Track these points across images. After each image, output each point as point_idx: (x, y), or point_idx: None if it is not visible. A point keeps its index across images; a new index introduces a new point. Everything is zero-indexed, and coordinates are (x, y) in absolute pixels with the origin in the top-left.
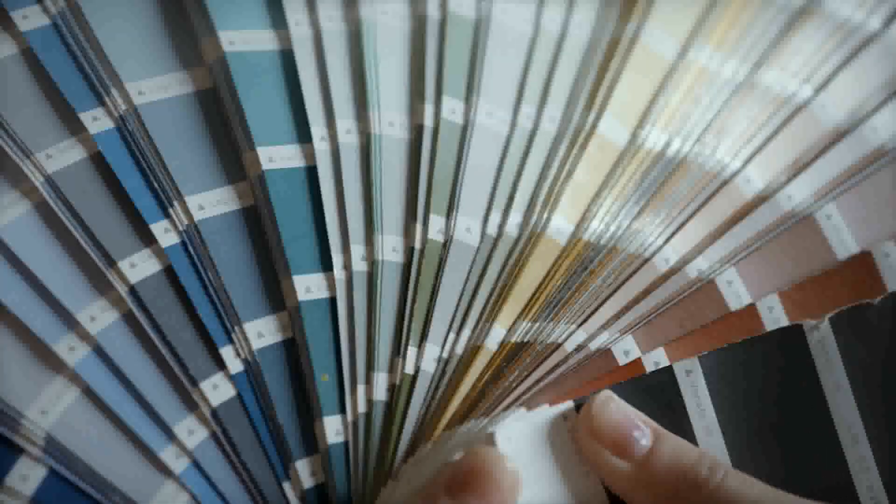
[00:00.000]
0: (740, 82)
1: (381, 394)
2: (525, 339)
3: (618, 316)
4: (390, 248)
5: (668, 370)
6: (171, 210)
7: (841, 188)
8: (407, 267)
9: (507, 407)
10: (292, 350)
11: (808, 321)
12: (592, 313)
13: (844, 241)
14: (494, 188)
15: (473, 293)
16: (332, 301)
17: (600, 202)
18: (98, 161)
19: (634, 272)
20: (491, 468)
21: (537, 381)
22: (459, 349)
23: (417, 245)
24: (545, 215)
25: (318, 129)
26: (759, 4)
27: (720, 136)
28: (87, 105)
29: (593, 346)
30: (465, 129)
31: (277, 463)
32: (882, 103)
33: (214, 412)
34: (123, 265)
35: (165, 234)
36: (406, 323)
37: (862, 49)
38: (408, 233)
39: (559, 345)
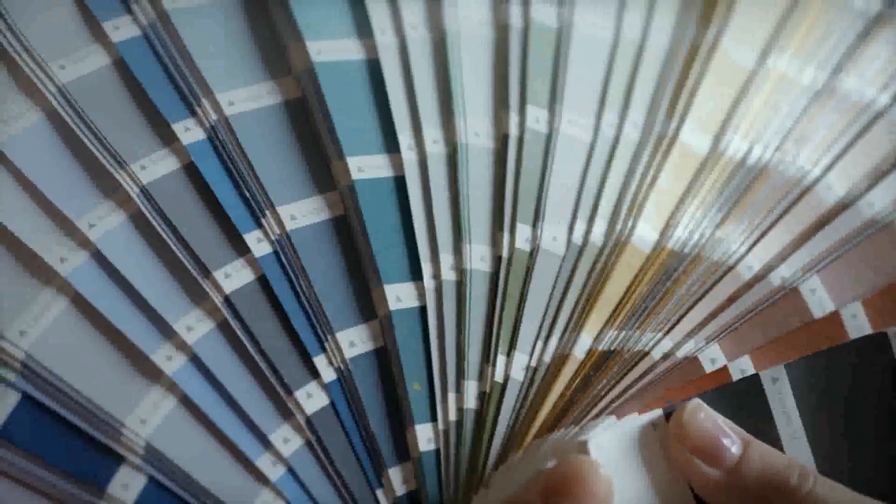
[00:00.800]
0: (819, 89)
1: (471, 402)
2: (612, 348)
3: (703, 324)
4: (478, 257)
5: (755, 378)
6: (263, 220)
7: None
8: (495, 276)
9: (596, 415)
10: (384, 358)
11: (892, 328)
12: (678, 321)
13: None
14: (579, 196)
15: (560, 302)
16: (423, 310)
17: (684, 210)
18: (191, 171)
19: (718, 280)
20: (586, 476)
21: (625, 390)
22: (547, 357)
23: (505, 254)
24: (630, 223)
25: (405, 139)
26: (837, 10)
27: (800, 143)
28: (178, 115)
29: (680, 354)
30: (550, 138)
31: (370, 470)
32: None
33: (309, 420)
34: (218, 275)
35: (258, 244)
36: (495, 331)
37: None
38: (495, 242)
39: (646, 353)
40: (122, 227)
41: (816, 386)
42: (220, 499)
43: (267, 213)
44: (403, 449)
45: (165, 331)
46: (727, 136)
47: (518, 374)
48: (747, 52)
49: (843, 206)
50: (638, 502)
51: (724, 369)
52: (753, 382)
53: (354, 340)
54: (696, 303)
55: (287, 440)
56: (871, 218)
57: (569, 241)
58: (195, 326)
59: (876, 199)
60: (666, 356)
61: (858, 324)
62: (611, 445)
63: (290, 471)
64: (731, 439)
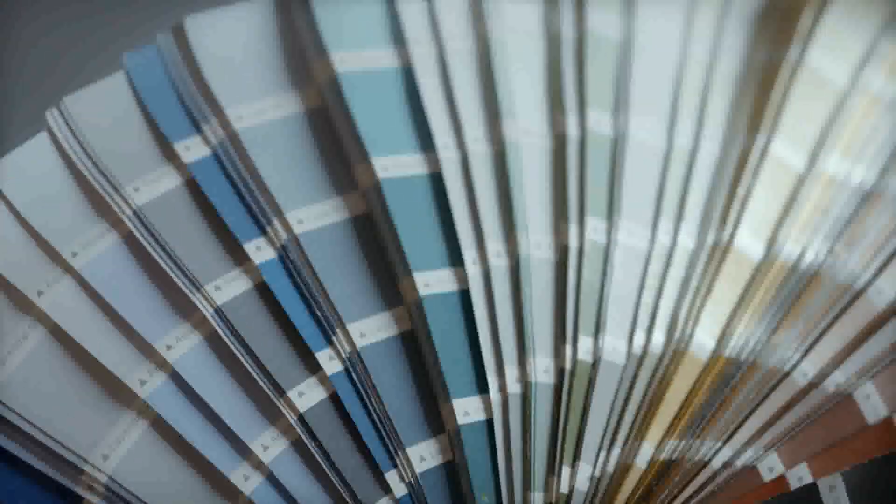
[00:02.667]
0: (868, 190)
1: None
2: (673, 457)
3: (761, 432)
4: (542, 369)
5: (813, 487)
6: (334, 338)
7: None
8: (558, 387)
9: None
10: (452, 472)
11: None
12: (737, 429)
13: None
14: (638, 306)
15: (622, 412)
16: (489, 423)
17: (739, 317)
18: (263, 290)
19: (775, 387)
20: None
21: (687, 500)
22: (610, 467)
23: (568, 366)
24: (687, 332)
25: (469, 253)
26: (883, 108)
27: (851, 246)
28: (250, 235)
29: (739, 463)
30: (608, 248)
31: None
32: None
33: None
34: (292, 394)
35: (330, 362)
36: (559, 442)
37: None
38: (558, 353)
39: (706, 462)
40: (199, 349)
41: (874, 493)
42: None
43: (338, 331)
44: None
45: (242, 450)
46: (779, 241)
47: (582, 484)
48: (796, 154)
49: (894, 310)
50: None
51: (783, 478)
52: (812, 491)
53: (424, 455)
54: (753, 410)
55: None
56: None
57: (629, 351)
58: (271, 445)
59: None
60: (726, 465)
61: None
62: None
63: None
64: None
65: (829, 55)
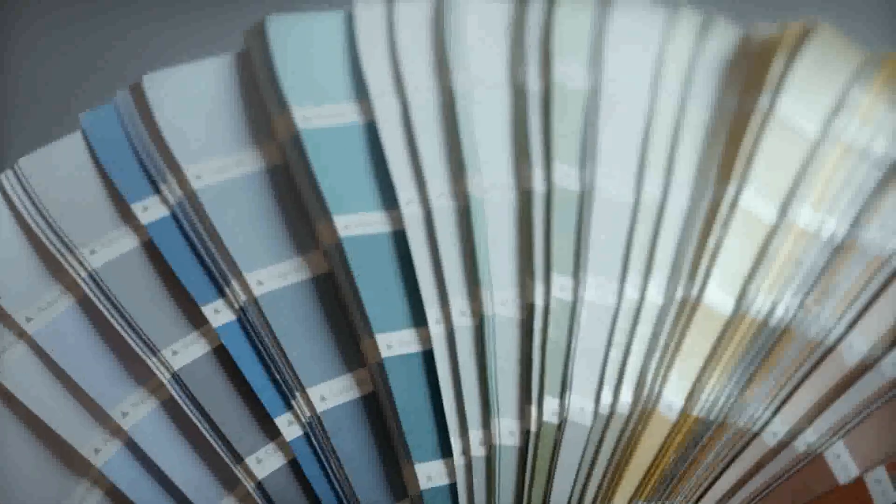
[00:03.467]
0: (839, 242)
1: None
2: None
3: (731, 493)
4: (507, 431)
5: None
6: (293, 402)
7: None
8: (523, 450)
9: None
10: None
11: None
12: (706, 491)
13: None
14: (605, 365)
15: (588, 474)
16: (453, 487)
17: (708, 375)
18: (221, 353)
19: (745, 447)
20: None
21: None
22: None
23: (533, 428)
24: (655, 390)
25: (432, 313)
26: (856, 158)
27: (822, 300)
28: (208, 297)
29: None
30: (575, 306)
31: None
32: None
33: None
34: (251, 461)
35: (289, 427)
36: None
37: None
38: (523, 415)
39: None
40: (155, 415)
41: None
42: None
43: (297, 395)
44: None
45: None
46: (750, 295)
47: None
48: (767, 205)
49: (865, 367)
50: None
51: None
52: None
53: None
54: (723, 471)
55: None
56: (894, 378)
57: (596, 411)
58: None
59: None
60: None
61: (883, 489)
62: None
63: None
64: None
65: (800, 104)
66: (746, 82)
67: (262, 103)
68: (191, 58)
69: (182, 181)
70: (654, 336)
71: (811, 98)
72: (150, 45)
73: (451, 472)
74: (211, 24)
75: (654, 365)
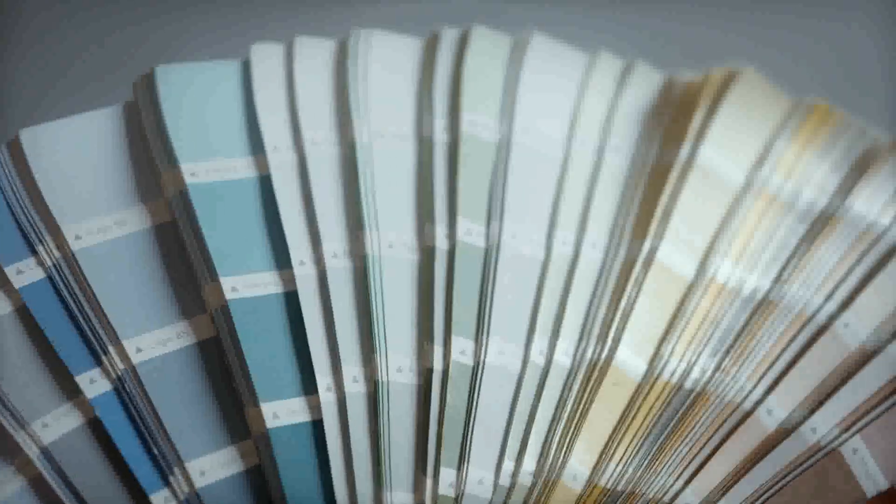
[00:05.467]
0: (760, 300)
1: None
2: None
3: None
4: None
5: None
6: (171, 478)
7: (868, 418)
8: None
9: None
10: None
11: None
12: None
13: (872, 476)
14: (506, 433)
15: None
16: None
17: (617, 443)
18: (96, 426)
19: None
20: None
21: None
22: None
23: (428, 502)
24: (560, 460)
25: (324, 380)
26: (780, 211)
27: (740, 361)
28: (83, 366)
29: None
30: (476, 371)
31: None
32: None
33: None
34: None
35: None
36: None
37: (888, 260)
38: (417, 487)
39: None
40: (22, 494)
41: None
42: None
43: (175, 469)
44: None
45: None
46: (664, 357)
47: None
48: (686, 261)
49: (785, 432)
50: None
51: None
52: None
53: None
54: None
55: None
56: (814, 444)
57: (496, 482)
58: None
59: (819, 423)
60: None
61: None
62: None
63: None
64: None
65: (723, 154)
66: (667, 132)
67: (150, 157)
68: (191, 58)
69: (60, 242)
70: (561, 401)
71: (734, 148)
72: (150, 44)
73: None
74: (211, 24)
75: (559, 432)
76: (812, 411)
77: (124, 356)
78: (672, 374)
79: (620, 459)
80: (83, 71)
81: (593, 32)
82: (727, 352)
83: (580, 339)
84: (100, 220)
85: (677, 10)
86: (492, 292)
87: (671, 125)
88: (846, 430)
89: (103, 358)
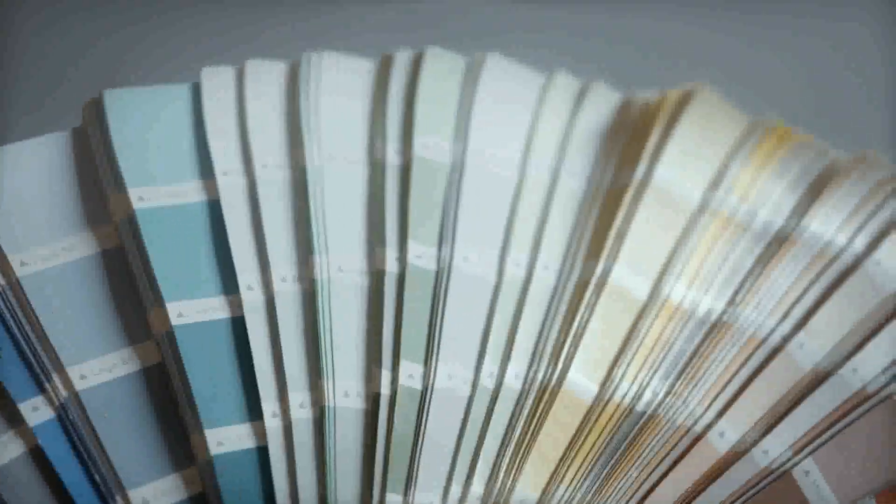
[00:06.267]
0: (714, 322)
1: None
2: None
3: None
4: None
5: None
6: None
7: (820, 440)
8: None
9: None
10: None
11: None
12: None
13: (825, 499)
14: (455, 458)
15: None
16: None
17: (566, 466)
18: (37, 455)
19: None
20: None
21: None
22: None
23: None
24: (508, 485)
25: (269, 406)
26: (735, 234)
27: (693, 384)
28: (26, 394)
29: None
30: (424, 395)
31: None
32: (864, 340)
33: None
34: None
35: None
36: None
37: (843, 279)
38: None
39: None
40: None
41: None
42: None
43: (118, 498)
44: None
45: None
46: (616, 379)
47: None
48: (639, 282)
49: (736, 455)
50: None
51: None
52: None
53: None
54: None
55: None
56: (766, 468)
57: None
58: None
59: (770, 446)
60: None
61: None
62: None
63: None
64: None
65: (678, 174)
66: (624, 152)
67: (98, 182)
68: (190, 58)
69: (5, 269)
70: (510, 425)
71: (690, 168)
72: (150, 43)
73: None
74: (211, 24)
75: (508, 456)
76: (764, 434)
77: (68, 383)
78: (623, 397)
79: (570, 483)
80: (68, 79)
81: (593, 32)
82: (679, 374)
83: (531, 362)
84: (47, 246)
85: (677, 10)
86: (441, 316)
87: (628, 146)
88: (798, 452)
89: (46, 385)
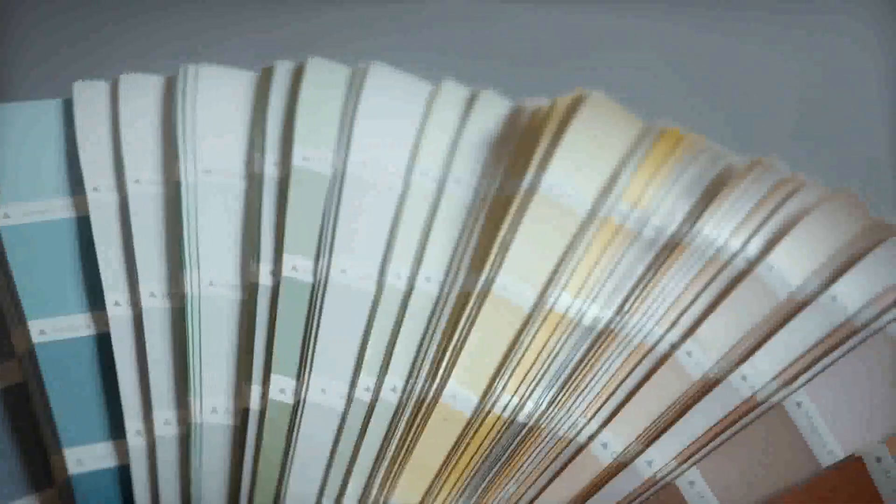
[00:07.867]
0: (601, 329)
1: None
2: None
3: None
4: None
5: None
6: None
7: (706, 449)
8: None
9: None
10: None
11: None
12: None
13: None
14: (327, 474)
15: None
16: None
17: (443, 480)
18: None
19: None
20: None
21: None
22: None
23: None
24: (381, 500)
25: (133, 424)
26: (625, 241)
27: (576, 394)
28: None
29: None
30: (295, 409)
31: None
32: (755, 347)
33: None
34: None
35: None
36: None
37: (735, 285)
38: None
39: None
40: None
41: None
42: None
43: None
44: None
45: None
46: (496, 391)
47: None
48: (524, 292)
49: (620, 466)
50: None
51: None
52: None
53: None
54: None
55: None
56: (650, 479)
57: None
58: None
59: (656, 456)
60: None
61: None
62: None
63: None
64: None
65: (567, 182)
66: (512, 161)
67: None
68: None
69: None
70: (386, 439)
71: (580, 176)
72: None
73: None
74: (212, 24)
75: (382, 471)
76: (649, 444)
77: None
78: (504, 409)
79: (447, 498)
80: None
81: (592, 32)
82: (563, 385)
83: (409, 375)
84: None
85: (676, 10)
86: (316, 328)
87: (516, 154)
88: (684, 462)
89: None
